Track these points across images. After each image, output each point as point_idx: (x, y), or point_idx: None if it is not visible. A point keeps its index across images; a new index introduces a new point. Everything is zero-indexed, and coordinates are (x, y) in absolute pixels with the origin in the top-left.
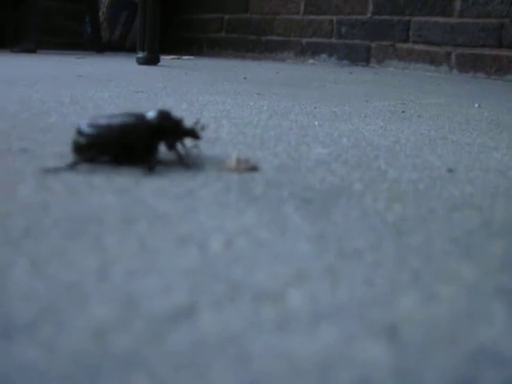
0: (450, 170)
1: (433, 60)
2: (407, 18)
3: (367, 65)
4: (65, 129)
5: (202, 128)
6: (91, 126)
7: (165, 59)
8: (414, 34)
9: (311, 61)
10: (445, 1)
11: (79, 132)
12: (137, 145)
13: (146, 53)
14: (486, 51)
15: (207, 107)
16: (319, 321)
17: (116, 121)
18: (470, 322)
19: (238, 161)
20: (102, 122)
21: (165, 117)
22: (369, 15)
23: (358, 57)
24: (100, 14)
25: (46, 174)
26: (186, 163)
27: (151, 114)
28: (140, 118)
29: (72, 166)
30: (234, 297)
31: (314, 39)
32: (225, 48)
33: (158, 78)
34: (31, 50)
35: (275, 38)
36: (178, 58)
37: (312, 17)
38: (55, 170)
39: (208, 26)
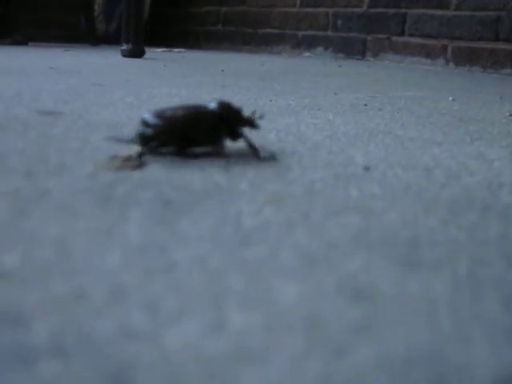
0: (367, 168)
1: (429, 53)
2: (403, 10)
3: (363, 58)
4: None
5: (261, 117)
6: (157, 116)
7: (154, 52)
8: (411, 26)
9: (307, 54)
10: None
11: (145, 123)
12: (202, 135)
13: (130, 45)
14: (483, 44)
15: (153, 100)
16: (39, 357)
17: (180, 112)
18: (239, 363)
19: (128, 158)
20: (167, 113)
21: (226, 107)
22: (364, 8)
23: (353, 50)
24: (96, 6)
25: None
26: (258, 151)
27: (213, 105)
28: (203, 109)
29: (140, 156)
30: None
31: (310, 32)
32: (221, 41)
33: (130, 71)
34: (22, 42)
35: (271, 30)
36: (168, 51)
37: (308, 9)
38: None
39: (205, 19)
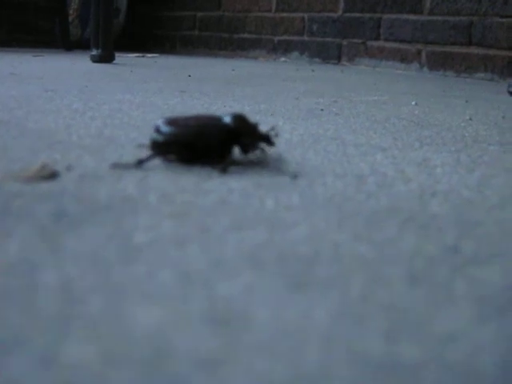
0: (295, 176)
1: (404, 58)
2: (378, 15)
3: (338, 63)
4: None
5: (277, 134)
6: (169, 124)
7: (127, 57)
8: (385, 31)
9: (283, 59)
10: None
11: (157, 130)
12: (212, 146)
13: (99, 50)
14: (456, 49)
15: (101, 107)
16: None
17: (193, 121)
18: None
19: (42, 168)
20: (180, 121)
21: (241, 121)
22: (340, 12)
23: (329, 54)
24: (71, 11)
25: (113, 169)
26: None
27: (228, 117)
28: (217, 121)
29: (140, 163)
30: None
31: (286, 37)
32: (198, 46)
33: (92, 77)
34: None
35: (247, 35)
36: (142, 56)
37: (284, 14)
38: (123, 166)
39: (181, 24)
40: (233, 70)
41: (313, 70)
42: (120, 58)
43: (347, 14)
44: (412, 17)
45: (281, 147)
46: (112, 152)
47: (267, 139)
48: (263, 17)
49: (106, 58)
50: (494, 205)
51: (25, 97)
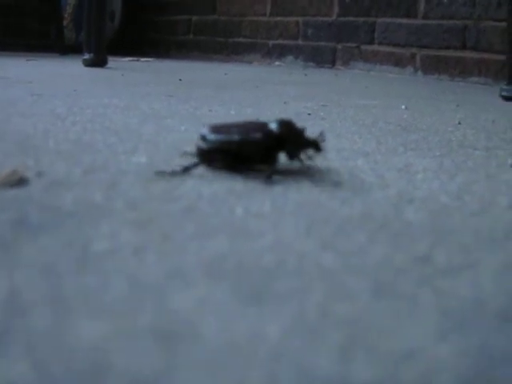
0: (269, 182)
1: (398, 62)
2: (372, 19)
3: (333, 67)
4: None
5: (323, 139)
6: (214, 132)
7: (120, 61)
8: (380, 35)
9: (277, 63)
10: (409, 2)
11: (202, 137)
12: (257, 153)
13: (92, 54)
14: (450, 53)
15: (85, 111)
16: None
17: (238, 128)
18: None
19: (11, 173)
20: (225, 129)
21: (287, 127)
22: (334, 17)
23: (323, 59)
24: (66, 15)
25: (158, 176)
26: (309, 173)
27: (274, 124)
28: (262, 127)
29: (186, 170)
30: None
31: (280, 41)
32: (192, 50)
33: (82, 81)
34: None
35: (242, 39)
36: (136, 60)
37: (278, 18)
38: (170, 173)
39: (176, 28)
40: (225, 74)
41: (306, 75)
42: (113, 62)
43: (341, 18)
44: (406, 21)
45: None
46: (86, 158)
47: (315, 145)
48: (258, 21)
49: (98, 62)
50: (471, 212)
51: (9, 100)
